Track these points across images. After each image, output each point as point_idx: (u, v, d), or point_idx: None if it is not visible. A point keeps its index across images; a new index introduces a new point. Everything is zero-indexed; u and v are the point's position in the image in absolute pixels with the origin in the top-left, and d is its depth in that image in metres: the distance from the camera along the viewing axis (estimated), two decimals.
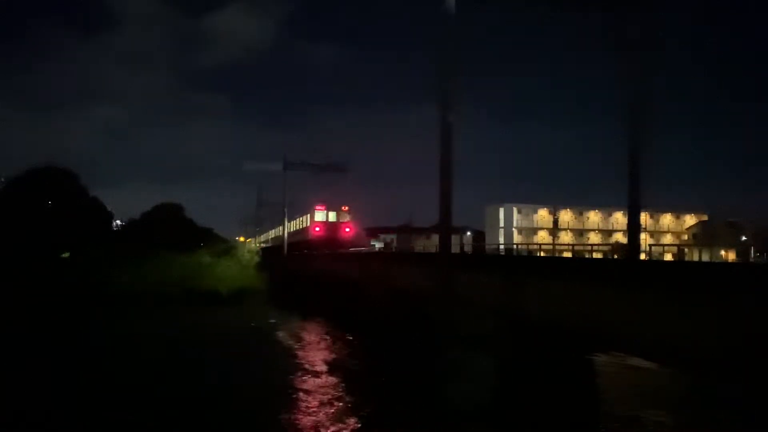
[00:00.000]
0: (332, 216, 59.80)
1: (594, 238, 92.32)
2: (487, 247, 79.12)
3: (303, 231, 65.81)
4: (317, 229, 59.59)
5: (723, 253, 61.29)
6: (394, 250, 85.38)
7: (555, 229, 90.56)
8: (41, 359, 27.80)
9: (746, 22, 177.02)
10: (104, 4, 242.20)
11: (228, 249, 77.11)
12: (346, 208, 60.30)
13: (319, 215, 60.06)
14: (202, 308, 47.42)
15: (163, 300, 49.03)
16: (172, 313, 44.63)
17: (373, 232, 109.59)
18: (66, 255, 66.64)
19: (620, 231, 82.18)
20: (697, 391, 20.14)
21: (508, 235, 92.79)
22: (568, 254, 61.78)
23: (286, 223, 73.41)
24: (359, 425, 18.11)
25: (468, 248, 74.17)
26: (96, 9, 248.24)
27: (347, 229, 60.01)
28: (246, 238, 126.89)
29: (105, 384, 23.10)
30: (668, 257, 55.82)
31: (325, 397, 21.21)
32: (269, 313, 45.33)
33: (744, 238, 74.05)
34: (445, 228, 23.23)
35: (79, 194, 73.36)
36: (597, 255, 60.22)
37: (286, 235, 72.70)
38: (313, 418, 18.80)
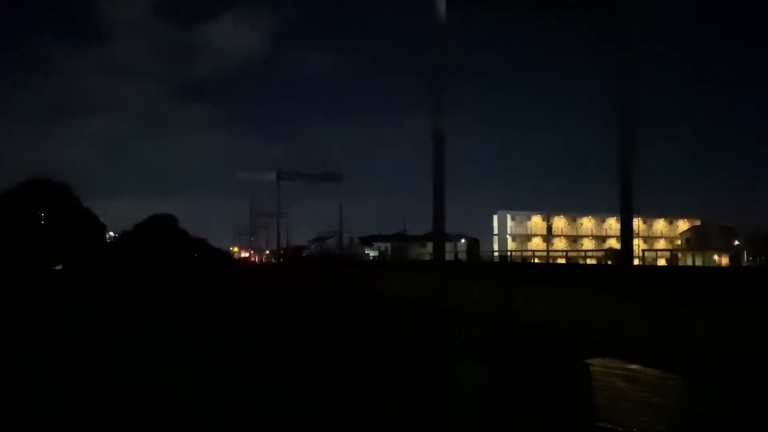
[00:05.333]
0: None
1: (588, 244, 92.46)
2: (481, 254, 79.16)
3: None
4: (242, 256, 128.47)
5: (716, 257, 61.42)
6: (388, 258, 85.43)
7: (549, 236, 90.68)
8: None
9: (744, 26, 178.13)
10: (97, 16, 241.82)
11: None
12: (250, 249, 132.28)
13: (244, 254, 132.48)
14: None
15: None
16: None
17: (368, 241, 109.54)
18: (59, 267, 66.37)
19: (614, 237, 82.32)
20: (695, 395, 20.18)
21: (502, 242, 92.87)
22: (561, 261, 61.90)
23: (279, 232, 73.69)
24: None
25: (462, 256, 74.23)
26: (88, 21, 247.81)
27: (247, 255, 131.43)
28: (239, 249, 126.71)
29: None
30: (661, 262, 56.00)
31: None
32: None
33: (737, 242, 74.29)
34: (439, 236, 23.26)
35: (72, 206, 73.08)
36: (591, 261, 60.30)
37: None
38: None
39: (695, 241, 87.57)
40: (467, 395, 21.27)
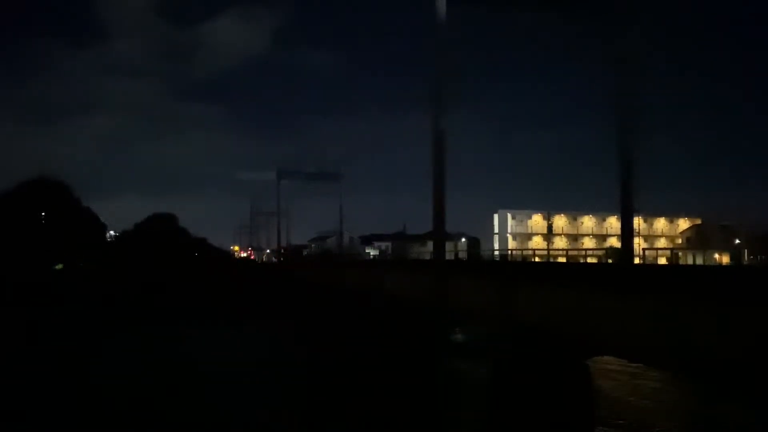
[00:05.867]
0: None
1: (588, 243, 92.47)
2: (481, 253, 79.15)
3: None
4: (240, 255, 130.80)
5: (717, 256, 61.41)
6: (388, 257, 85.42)
7: (549, 235, 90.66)
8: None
9: (745, 24, 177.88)
10: (97, 15, 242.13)
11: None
12: (249, 248, 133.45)
13: (244, 253, 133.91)
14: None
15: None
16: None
17: (368, 240, 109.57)
18: (60, 267, 66.37)
19: (614, 236, 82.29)
20: (696, 395, 20.17)
21: (503, 241, 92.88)
22: (562, 259, 61.88)
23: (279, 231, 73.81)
24: None
25: (463, 255, 74.23)
26: (88, 21, 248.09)
27: (247, 254, 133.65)
28: (240, 248, 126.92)
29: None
30: (662, 261, 55.98)
31: None
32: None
33: (737, 241, 74.25)
34: (439, 235, 23.25)
35: (72, 206, 73.04)
36: (591, 260, 60.26)
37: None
38: None
39: (696, 239, 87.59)
40: (468, 395, 21.26)
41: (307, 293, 52.52)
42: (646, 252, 57.58)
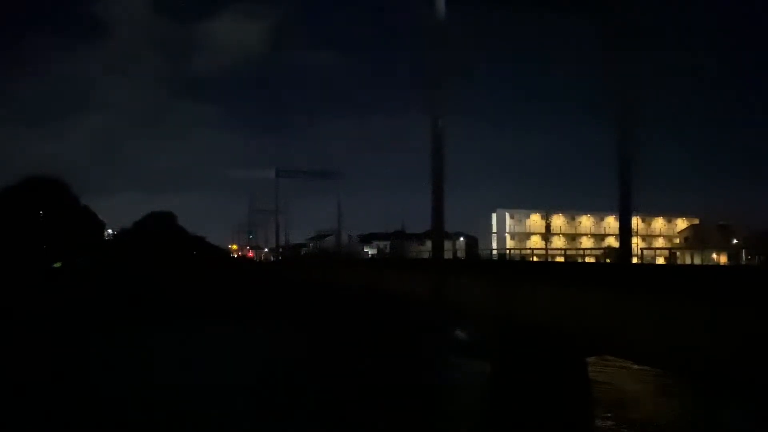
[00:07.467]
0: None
1: (586, 242, 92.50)
2: (480, 252, 79.22)
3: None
4: (235, 254, 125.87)
5: (714, 256, 61.40)
6: (386, 256, 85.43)
7: (547, 234, 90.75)
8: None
9: (745, 23, 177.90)
10: (96, 13, 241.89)
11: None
12: (248, 247, 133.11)
13: (240, 252, 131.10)
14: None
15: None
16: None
17: (366, 239, 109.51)
18: (58, 265, 66.30)
19: (612, 235, 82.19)
20: (695, 393, 20.22)
21: (501, 240, 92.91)
22: (560, 259, 61.90)
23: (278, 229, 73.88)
24: None
25: (461, 254, 74.27)
26: (87, 18, 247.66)
27: (244, 253, 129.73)
28: (237, 246, 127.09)
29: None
30: (660, 261, 56.02)
31: None
32: None
33: (735, 241, 74.34)
34: (438, 234, 23.29)
35: (70, 204, 72.94)
36: (589, 259, 60.27)
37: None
38: None
39: (694, 239, 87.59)
40: (466, 393, 21.31)
41: (305, 292, 52.51)
42: (644, 252, 57.62)
